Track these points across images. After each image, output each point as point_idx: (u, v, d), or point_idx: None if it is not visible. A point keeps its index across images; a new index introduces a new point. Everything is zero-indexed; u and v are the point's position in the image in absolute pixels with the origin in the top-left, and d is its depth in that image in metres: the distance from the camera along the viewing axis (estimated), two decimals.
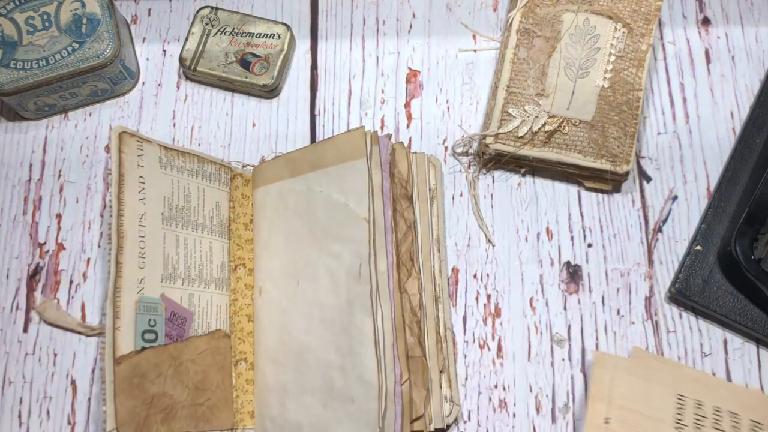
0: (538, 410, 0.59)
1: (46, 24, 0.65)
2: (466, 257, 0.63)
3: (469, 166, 0.66)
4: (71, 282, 0.64)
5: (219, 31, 0.69)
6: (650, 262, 0.63)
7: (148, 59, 0.71)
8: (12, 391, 0.61)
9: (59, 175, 0.67)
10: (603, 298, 0.62)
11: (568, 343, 0.61)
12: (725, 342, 0.60)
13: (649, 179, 0.65)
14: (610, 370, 0.58)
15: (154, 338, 0.54)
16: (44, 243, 0.65)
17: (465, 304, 0.62)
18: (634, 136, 0.62)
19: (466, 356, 0.61)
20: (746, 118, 0.65)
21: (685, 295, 0.60)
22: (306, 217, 0.60)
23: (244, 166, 0.66)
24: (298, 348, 0.57)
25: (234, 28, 0.69)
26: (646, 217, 0.64)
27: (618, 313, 0.61)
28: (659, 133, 0.66)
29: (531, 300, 0.62)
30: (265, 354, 0.59)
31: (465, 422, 0.59)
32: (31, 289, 0.64)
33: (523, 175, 0.65)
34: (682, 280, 0.60)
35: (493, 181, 0.65)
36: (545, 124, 0.62)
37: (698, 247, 0.61)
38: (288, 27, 0.69)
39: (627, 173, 0.62)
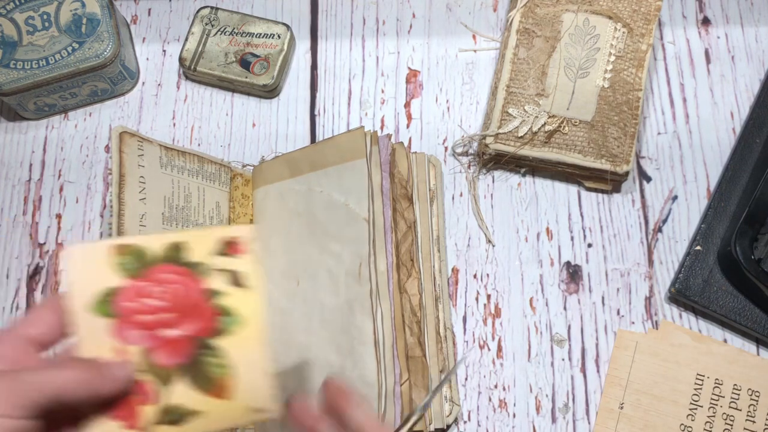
0: (538, 410, 0.59)
1: (46, 24, 0.65)
2: (466, 257, 0.63)
3: (469, 166, 0.66)
4: None
5: (219, 31, 0.69)
6: (650, 262, 0.63)
7: (148, 59, 0.71)
8: None
9: (59, 175, 0.67)
10: (603, 298, 0.62)
11: (568, 343, 0.61)
12: (725, 342, 0.60)
13: (649, 179, 0.65)
14: (632, 350, 0.59)
15: None
16: (44, 243, 0.65)
17: (465, 304, 0.62)
18: (634, 136, 0.62)
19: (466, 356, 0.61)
20: (746, 118, 0.65)
21: (685, 295, 0.60)
22: (306, 217, 0.60)
23: (244, 166, 0.66)
24: (298, 348, 0.57)
25: (234, 28, 0.69)
26: (646, 217, 0.64)
27: (618, 313, 0.61)
28: (659, 133, 0.66)
29: (531, 300, 0.62)
30: None
31: (465, 422, 0.59)
32: (31, 290, 0.64)
33: (523, 175, 0.65)
34: (682, 280, 0.60)
35: (493, 181, 0.65)
36: (545, 124, 0.62)
37: (698, 247, 0.61)
38: (288, 27, 0.69)
39: (627, 173, 0.62)
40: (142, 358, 0.39)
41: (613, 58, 0.63)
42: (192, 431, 0.39)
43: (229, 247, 0.41)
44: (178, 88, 0.70)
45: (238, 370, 0.40)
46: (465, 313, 0.62)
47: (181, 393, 0.39)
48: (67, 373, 0.36)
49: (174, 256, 0.40)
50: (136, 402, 0.39)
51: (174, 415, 0.39)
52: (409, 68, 0.70)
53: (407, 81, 0.69)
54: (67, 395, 0.36)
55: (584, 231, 0.64)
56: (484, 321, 0.62)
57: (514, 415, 0.59)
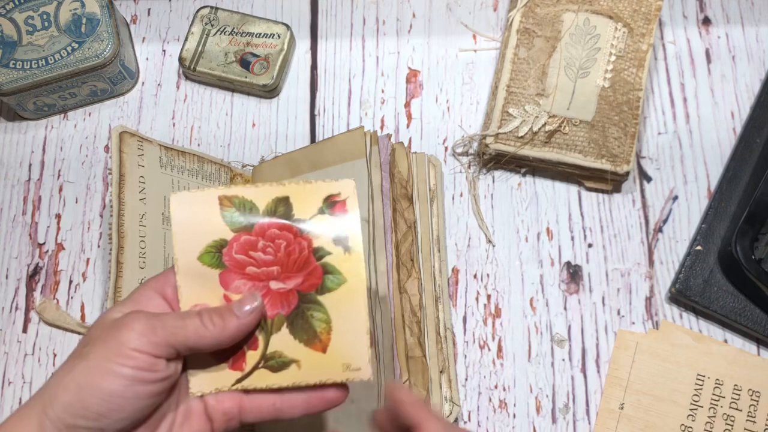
0: (538, 411, 0.59)
1: (46, 24, 0.65)
2: (466, 257, 0.63)
3: (469, 166, 0.66)
4: (71, 282, 0.64)
5: (219, 30, 0.68)
6: (650, 262, 0.63)
7: (147, 59, 0.71)
8: (11, 391, 0.61)
9: (59, 175, 0.67)
10: (603, 298, 0.62)
11: (569, 344, 0.61)
12: (726, 342, 0.60)
13: (649, 179, 0.65)
14: (632, 350, 0.59)
15: None
16: (44, 243, 0.65)
17: (465, 304, 0.62)
18: (634, 136, 0.62)
19: (466, 356, 0.61)
20: (747, 118, 0.65)
21: (686, 295, 0.60)
22: None
23: (243, 166, 0.66)
24: None
25: (234, 28, 0.69)
26: (646, 217, 0.64)
27: (618, 313, 0.61)
28: (659, 133, 0.66)
29: (531, 300, 0.62)
30: None
31: (465, 422, 0.59)
32: (30, 289, 0.64)
33: (523, 175, 0.65)
34: (682, 280, 0.60)
35: (493, 181, 0.65)
36: (545, 124, 0.62)
37: (699, 247, 0.61)
38: (288, 27, 0.69)
39: (627, 173, 0.62)
40: None
41: (613, 58, 0.63)
42: (289, 379, 0.41)
43: (333, 206, 0.42)
44: (178, 87, 0.70)
45: (337, 327, 0.41)
46: (465, 313, 0.62)
47: (283, 341, 0.41)
48: (198, 321, 0.39)
49: (281, 211, 0.42)
50: (244, 345, 0.41)
51: (274, 362, 0.41)
52: (409, 68, 0.70)
53: (407, 81, 0.69)
54: (201, 342, 0.39)
55: (584, 231, 0.64)
56: (484, 321, 0.61)
57: (514, 416, 0.59)
